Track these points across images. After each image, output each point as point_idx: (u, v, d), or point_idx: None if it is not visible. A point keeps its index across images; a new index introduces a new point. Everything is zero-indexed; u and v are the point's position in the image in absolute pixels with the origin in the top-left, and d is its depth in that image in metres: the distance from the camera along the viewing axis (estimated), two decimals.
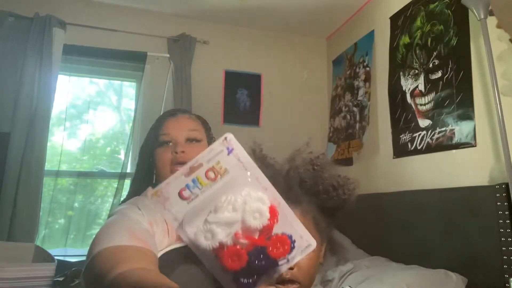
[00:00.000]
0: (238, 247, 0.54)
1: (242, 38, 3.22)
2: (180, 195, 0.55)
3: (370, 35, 2.76)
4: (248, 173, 0.56)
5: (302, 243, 0.58)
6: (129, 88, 3.08)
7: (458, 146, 1.92)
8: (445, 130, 2.00)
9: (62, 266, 1.87)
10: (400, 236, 2.16)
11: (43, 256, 1.84)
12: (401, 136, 2.33)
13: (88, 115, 2.81)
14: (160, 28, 2.96)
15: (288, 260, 0.57)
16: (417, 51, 2.26)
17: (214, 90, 3.08)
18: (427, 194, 2.03)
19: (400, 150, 2.33)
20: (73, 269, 1.86)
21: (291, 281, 0.74)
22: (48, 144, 2.52)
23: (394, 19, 2.50)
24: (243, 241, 0.54)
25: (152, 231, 0.89)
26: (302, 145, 0.87)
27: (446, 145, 1.99)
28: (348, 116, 2.94)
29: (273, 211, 0.56)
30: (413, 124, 2.23)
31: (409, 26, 2.34)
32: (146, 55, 2.84)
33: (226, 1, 2.82)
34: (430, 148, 2.09)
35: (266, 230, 0.55)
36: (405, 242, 2.12)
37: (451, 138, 1.96)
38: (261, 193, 0.57)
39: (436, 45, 2.11)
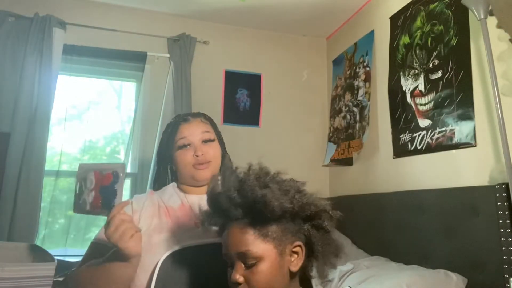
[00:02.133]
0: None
1: (242, 38, 3.22)
2: None
3: (370, 35, 2.76)
4: None
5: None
6: (129, 88, 3.08)
7: (458, 146, 1.92)
8: (445, 130, 2.00)
9: (62, 266, 1.87)
10: (400, 236, 2.16)
11: (43, 256, 1.84)
12: (401, 136, 2.33)
13: (88, 115, 2.81)
14: (160, 28, 2.95)
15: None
16: (417, 51, 2.26)
17: (214, 90, 3.08)
18: (427, 194, 2.03)
19: (400, 150, 2.33)
20: (73, 269, 1.86)
21: None
22: (48, 144, 2.52)
23: (394, 19, 2.50)
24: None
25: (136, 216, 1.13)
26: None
27: (446, 145, 1.99)
28: (348, 116, 2.94)
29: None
30: (413, 124, 2.23)
31: (409, 26, 2.34)
32: (146, 55, 2.83)
33: (226, 1, 2.82)
34: (430, 148, 2.09)
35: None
36: (405, 242, 2.12)
37: (451, 138, 1.96)
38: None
39: (436, 45, 2.11)
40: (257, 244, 0.80)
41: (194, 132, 1.24)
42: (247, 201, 0.82)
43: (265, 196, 0.80)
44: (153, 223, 1.14)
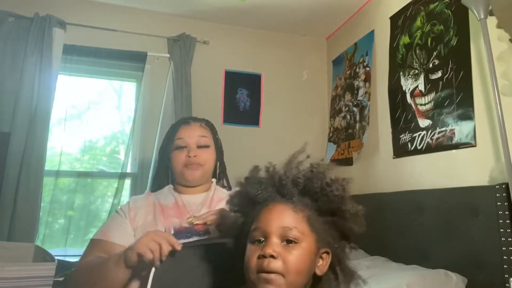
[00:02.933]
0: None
1: (242, 38, 3.22)
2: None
3: (370, 35, 2.76)
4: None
5: (209, 233, 1.11)
6: (129, 88, 3.08)
7: (458, 146, 1.91)
8: (445, 130, 2.00)
9: (62, 266, 1.87)
10: (400, 236, 2.16)
11: (43, 256, 1.84)
12: (401, 136, 2.33)
13: (88, 115, 2.81)
14: (160, 28, 2.95)
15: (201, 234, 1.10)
16: (417, 51, 2.26)
17: (214, 90, 3.08)
18: (427, 194, 2.02)
19: (400, 150, 2.33)
20: (73, 269, 1.86)
21: (273, 272, 0.75)
22: (48, 144, 2.52)
23: (394, 19, 2.50)
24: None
25: (130, 217, 1.22)
26: (300, 149, 0.90)
27: (446, 145, 1.99)
28: (348, 116, 2.94)
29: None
30: (413, 124, 2.23)
31: (409, 26, 2.34)
32: (146, 55, 2.83)
33: (226, 1, 2.82)
34: (430, 148, 2.09)
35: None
36: (405, 242, 2.12)
37: (451, 138, 1.96)
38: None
39: (436, 45, 2.11)
40: (303, 227, 0.79)
41: (191, 135, 1.32)
42: (312, 185, 0.82)
43: (337, 182, 0.82)
44: (148, 219, 1.21)
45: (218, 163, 1.43)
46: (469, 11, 1.73)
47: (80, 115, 2.84)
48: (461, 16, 1.94)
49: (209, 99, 3.03)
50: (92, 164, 2.87)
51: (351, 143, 2.84)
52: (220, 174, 1.46)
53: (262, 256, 0.76)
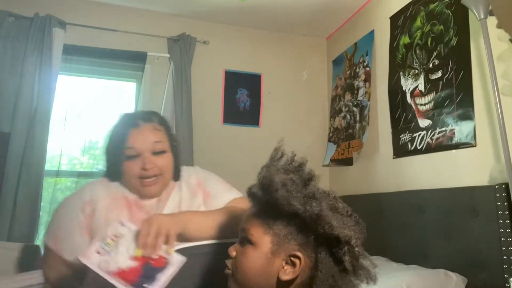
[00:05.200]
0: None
1: (242, 38, 3.22)
2: (97, 252, 0.89)
3: (370, 35, 2.76)
4: (132, 234, 0.93)
5: (175, 260, 0.90)
6: (129, 88, 3.08)
7: (458, 146, 1.91)
8: (445, 130, 2.00)
9: None
10: (400, 236, 2.16)
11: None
12: (401, 136, 2.33)
13: (88, 115, 2.81)
14: (160, 28, 2.95)
15: (166, 269, 0.88)
16: (417, 51, 2.26)
17: (214, 90, 3.08)
18: (427, 194, 2.02)
19: (400, 150, 2.33)
20: None
21: (228, 267, 0.84)
22: (48, 144, 2.52)
23: (394, 19, 2.50)
24: (136, 262, 0.87)
25: (85, 213, 1.07)
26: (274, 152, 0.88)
27: (446, 145, 1.99)
28: (348, 116, 2.94)
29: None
30: (413, 124, 2.23)
31: (409, 26, 2.34)
32: (146, 55, 2.84)
33: (226, 1, 2.82)
34: (430, 148, 2.09)
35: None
36: (405, 242, 2.12)
37: (451, 138, 1.96)
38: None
39: (436, 45, 2.11)
40: (258, 230, 0.81)
41: (143, 141, 1.12)
42: (265, 184, 0.81)
43: (281, 184, 0.78)
44: (109, 216, 1.06)
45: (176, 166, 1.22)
46: (469, 11, 1.73)
47: (80, 115, 2.84)
48: (461, 16, 1.94)
49: (209, 99, 3.04)
50: (92, 164, 2.86)
51: (351, 143, 2.84)
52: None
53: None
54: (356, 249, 0.79)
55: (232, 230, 0.95)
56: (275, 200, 0.78)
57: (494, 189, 1.61)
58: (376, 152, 2.58)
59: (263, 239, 0.80)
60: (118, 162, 1.12)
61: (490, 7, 1.65)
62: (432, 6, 2.17)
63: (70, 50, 2.66)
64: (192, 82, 2.92)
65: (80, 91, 2.81)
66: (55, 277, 1.06)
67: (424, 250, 1.97)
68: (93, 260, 0.87)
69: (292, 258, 0.78)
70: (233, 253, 0.84)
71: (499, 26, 1.69)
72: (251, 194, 0.87)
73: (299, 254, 0.77)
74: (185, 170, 1.25)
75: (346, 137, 2.93)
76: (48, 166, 2.53)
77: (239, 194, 1.21)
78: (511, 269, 1.51)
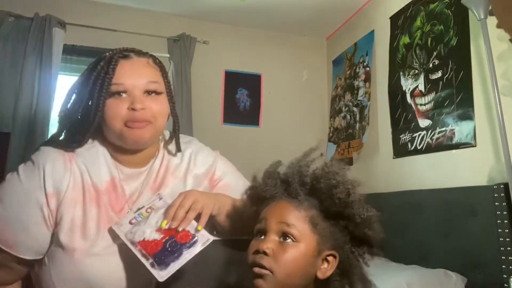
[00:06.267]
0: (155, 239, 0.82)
1: (242, 38, 3.22)
2: (129, 222, 0.86)
3: (370, 35, 2.76)
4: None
5: (203, 237, 0.84)
6: None
7: (458, 146, 1.92)
8: (445, 130, 2.00)
9: None
10: (399, 236, 2.16)
11: None
12: (401, 136, 2.33)
13: None
14: (160, 28, 2.95)
15: (190, 245, 0.82)
16: (417, 51, 2.26)
17: (214, 90, 3.08)
18: (427, 194, 2.02)
19: (400, 150, 2.33)
20: None
21: (263, 267, 0.73)
22: None
23: (394, 19, 2.50)
24: (160, 234, 0.83)
25: (49, 209, 0.85)
26: (313, 147, 0.88)
27: (446, 145, 1.99)
28: (348, 116, 2.94)
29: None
30: (413, 124, 2.23)
31: (409, 26, 2.34)
32: None
33: (226, 1, 2.82)
34: (430, 148, 2.09)
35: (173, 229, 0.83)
36: (405, 242, 2.12)
37: (451, 138, 1.96)
38: None
39: (436, 45, 2.11)
40: (304, 227, 0.76)
41: (136, 77, 0.89)
42: (319, 185, 0.79)
43: (343, 185, 0.78)
44: (76, 215, 0.85)
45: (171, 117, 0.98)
46: (469, 11, 1.73)
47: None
48: (461, 16, 1.94)
49: (209, 99, 3.04)
50: None
51: (351, 143, 2.84)
52: (171, 132, 1.02)
53: (257, 252, 0.74)
54: (375, 249, 0.83)
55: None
56: (332, 199, 0.78)
57: (493, 189, 1.61)
58: (376, 152, 2.58)
59: (309, 237, 0.76)
60: (94, 102, 0.87)
61: (490, 7, 1.65)
62: (432, 6, 2.17)
63: (70, 50, 2.66)
64: (192, 82, 2.92)
65: None
66: (6, 277, 0.90)
67: (424, 250, 1.97)
68: (123, 228, 0.84)
69: (328, 257, 0.78)
70: (270, 250, 0.73)
71: (499, 26, 1.69)
72: (289, 184, 0.82)
73: (335, 253, 0.78)
74: (189, 145, 1.03)
75: (346, 137, 2.93)
76: None
77: None
78: (509, 269, 1.52)
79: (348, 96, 2.99)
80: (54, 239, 0.85)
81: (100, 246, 0.84)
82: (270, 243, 0.74)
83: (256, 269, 0.73)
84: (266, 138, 3.06)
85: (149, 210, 0.88)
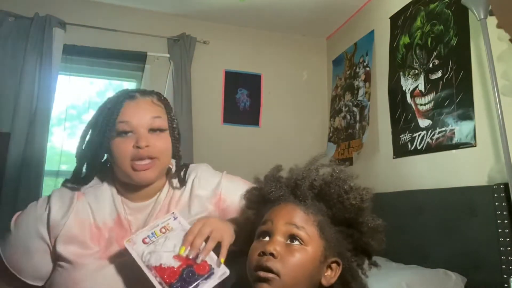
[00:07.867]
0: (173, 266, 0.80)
1: (242, 38, 3.22)
2: (143, 241, 0.84)
3: (370, 35, 2.76)
4: (183, 231, 0.86)
5: (219, 270, 0.81)
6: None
7: (458, 146, 1.92)
8: (445, 130, 2.00)
9: None
10: (399, 236, 2.16)
11: None
12: (401, 136, 2.33)
13: (88, 115, 2.80)
14: (160, 28, 2.95)
15: (207, 277, 0.79)
16: (417, 51, 2.26)
17: (214, 90, 3.08)
18: (427, 194, 2.02)
19: (400, 150, 2.33)
20: None
21: (270, 271, 0.70)
22: (48, 144, 2.52)
23: (394, 19, 2.50)
24: (178, 262, 0.80)
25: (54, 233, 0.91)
26: (323, 153, 0.88)
27: (446, 145, 1.99)
28: (348, 116, 2.94)
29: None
30: (413, 124, 2.23)
31: (409, 26, 2.34)
32: (146, 55, 2.83)
33: (226, 1, 2.82)
34: (430, 148, 2.09)
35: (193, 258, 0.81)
36: (405, 242, 2.11)
37: (451, 138, 1.96)
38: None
39: (436, 45, 2.11)
40: (313, 230, 0.75)
41: (140, 115, 0.92)
42: (329, 190, 0.78)
43: (356, 191, 0.78)
44: (72, 253, 0.88)
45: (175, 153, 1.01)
46: (469, 11, 1.73)
47: (80, 115, 2.84)
48: (461, 16, 1.94)
49: (209, 99, 3.04)
50: None
51: (351, 143, 2.84)
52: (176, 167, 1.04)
53: (263, 254, 0.72)
54: (373, 260, 0.84)
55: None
56: (343, 204, 0.77)
57: (493, 189, 1.61)
58: (376, 152, 2.58)
59: (316, 242, 0.74)
60: (105, 143, 0.92)
61: (490, 7, 1.65)
62: (432, 6, 2.17)
63: (70, 50, 2.66)
64: (192, 82, 2.92)
65: (80, 91, 2.81)
66: None
67: (423, 250, 1.97)
68: (137, 248, 0.82)
69: (332, 264, 0.77)
70: (277, 253, 0.71)
71: (499, 26, 1.68)
72: (297, 187, 0.80)
73: (339, 260, 0.77)
74: (194, 170, 1.05)
75: (346, 137, 2.93)
76: (48, 166, 2.53)
77: None
78: (509, 269, 1.52)
79: (348, 96, 2.99)
80: (54, 268, 0.91)
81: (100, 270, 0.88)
82: (277, 245, 0.72)
83: (262, 273, 0.70)
84: (266, 138, 3.06)
85: (163, 230, 0.87)
